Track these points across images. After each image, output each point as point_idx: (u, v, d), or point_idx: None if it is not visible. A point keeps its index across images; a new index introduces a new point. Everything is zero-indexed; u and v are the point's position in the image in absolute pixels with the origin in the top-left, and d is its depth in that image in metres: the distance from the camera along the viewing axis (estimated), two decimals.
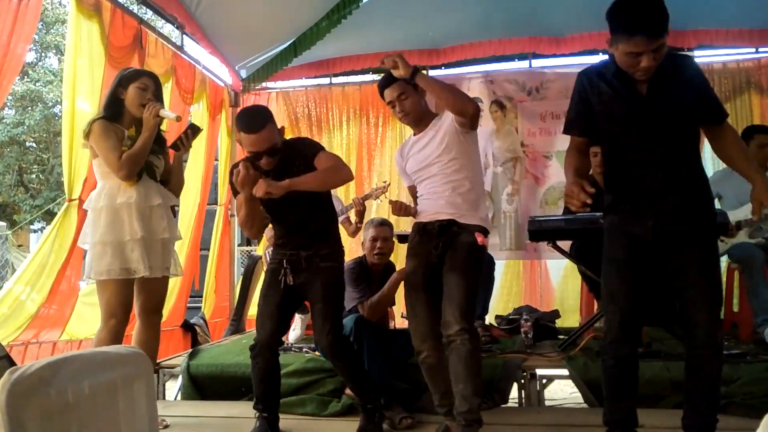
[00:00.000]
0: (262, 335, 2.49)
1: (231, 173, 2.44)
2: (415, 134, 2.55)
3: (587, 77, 2.11)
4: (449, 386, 2.32)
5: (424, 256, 2.41)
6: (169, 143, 2.72)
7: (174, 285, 4.44)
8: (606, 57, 2.14)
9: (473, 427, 2.20)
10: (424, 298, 2.40)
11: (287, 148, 2.45)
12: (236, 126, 2.39)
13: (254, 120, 2.34)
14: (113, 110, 2.57)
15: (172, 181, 2.76)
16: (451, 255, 2.34)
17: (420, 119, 2.49)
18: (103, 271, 2.48)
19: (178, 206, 2.83)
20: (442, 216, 2.39)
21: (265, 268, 4.56)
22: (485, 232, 2.42)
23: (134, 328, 2.70)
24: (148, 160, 2.59)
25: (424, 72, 2.40)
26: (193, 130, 2.71)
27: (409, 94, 2.41)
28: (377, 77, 5.94)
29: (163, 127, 2.74)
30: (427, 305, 2.39)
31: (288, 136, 5.80)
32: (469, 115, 2.29)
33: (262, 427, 2.49)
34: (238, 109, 5.45)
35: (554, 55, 5.27)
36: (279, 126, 2.44)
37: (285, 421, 2.84)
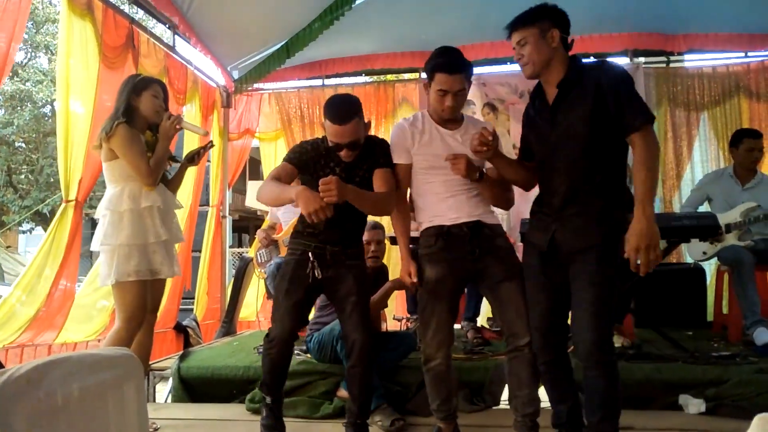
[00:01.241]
0: (281, 332, 2.41)
1: (298, 150, 2.41)
2: (435, 120, 2.36)
3: (527, 104, 2.28)
4: (450, 393, 2.34)
5: (453, 262, 2.27)
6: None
7: (166, 286, 4.42)
8: (601, 59, 2.17)
9: (537, 428, 2.25)
10: (447, 308, 2.30)
11: (366, 146, 2.39)
12: (324, 112, 2.29)
13: (342, 111, 2.26)
14: (129, 116, 2.61)
15: (172, 188, 2.85)
16: (498, 261, 2.26)
17: (455, 117, 2.36)
18: (132, 272, 2.52)
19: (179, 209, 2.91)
20: (468, 218, 2.27)
21: (256, 270, 4.60)
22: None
23: None
24: None
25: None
26: (210, 146, 2.92)
27: (466, 90, 2.31)
28: (369, 79, 5.96)
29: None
30: (449, 315, 2.32)
31: (281, 138, 5.85)
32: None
33: (269, 418, 2.48)
34: (230, 110, 5.51)
35: None
36: (366, 120, 2.37)
37: None
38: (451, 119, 2.35)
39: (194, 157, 2.86)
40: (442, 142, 2.33)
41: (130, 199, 2.56)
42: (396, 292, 3.76)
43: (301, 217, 2.45)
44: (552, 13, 2.07)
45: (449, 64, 2.26)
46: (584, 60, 2.15)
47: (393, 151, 2.38)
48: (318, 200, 2.06)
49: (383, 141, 2.46)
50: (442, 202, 2.31)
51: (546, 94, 2.13)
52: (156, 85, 2.71)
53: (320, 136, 2.44)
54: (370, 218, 4.14)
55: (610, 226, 1.99)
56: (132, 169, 2.56)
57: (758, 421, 1.00)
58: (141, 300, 2.57)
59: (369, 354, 2.39)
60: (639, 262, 1.87)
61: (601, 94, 1.97)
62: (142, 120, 2.66)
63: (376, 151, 2.40)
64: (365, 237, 3.24)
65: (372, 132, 5.92)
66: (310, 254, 2.40)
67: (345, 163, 2.36)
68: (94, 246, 2.60)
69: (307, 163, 2.39)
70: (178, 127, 2.69)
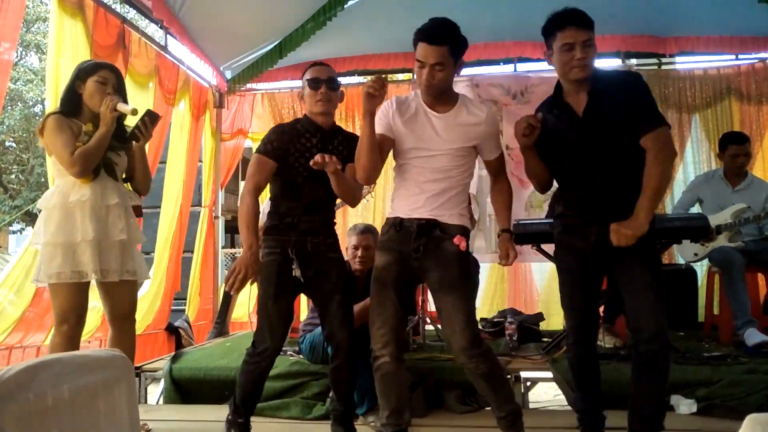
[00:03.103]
0: (274, 343, 2.33)
1: (275, 135, 2.40)
2: (427, 104, 2.21)
3: (542, 107, 2.31)
4: (402, 403, 2.19)
5: (399, 255, 2.17)
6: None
7: (158, 288, 4.40)
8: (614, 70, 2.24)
9: (518, 424, 2.16)
10: (393, 300, 2.15)
11: (346, 135, 2.47)
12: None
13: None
14: (71, 105, 2.44)
15: (137, 177, 2.61)
16: (437, 268, 2.14)
17: (441, 96, 2.19)
18: (53, 274, 2.32)
19: (140, 205, 2.62)
20: (422, 215, 2.16)
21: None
22: (467, 234, 2.24)
23: (108, 336, 2.59)
24: (107, 156, 2.44)
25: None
26: (151, 118, 2.51)
27: (448, 66, 2.12)
28: (363, 79, 5.96)
29: (129, 121, 2.54)
30: (396, 308, 2.16)
31: None
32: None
33: None
34: (223, 111, 5.49)
35: (539, 60, 5.31)
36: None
37: (269, 424, 2.83)
38: (438, 98, 2.18)
39: (135, 134, 2.49)
40: (425, 124, 2.18)
41: (60, 195, 2.37)
42: None
43: (273, 212, 2.41)
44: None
45: (429, 33, 2.08)
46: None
47: (379, 124, 2.21)
48: (247, 267, 2.21)
49: (356, 137, 2.40)
50: (408, 191, 2.21)
51: (572, 100, 2.17)
52: (105, 70, 2.48)
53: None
54: (363, 221, 4.12)
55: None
56: (57, 160, 2.37)
57: (749, 421, 1.00)
58: (73, 303, 2.35)
59: (354, 352, 2.38)
60: (616, 242, 2.06)
61: (629, 100, 2.09)
62: (87, 109, 2.45)
63: (353, 145, 2.32)
64: (353, 241, 3.21)
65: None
66: (290, 251, 2.32)
67: (321, 132, 2.38)
68: (31, 245, 2.47)
69: (287, 146, 2.35)
70: (114, 111, 2.37)
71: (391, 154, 2.29)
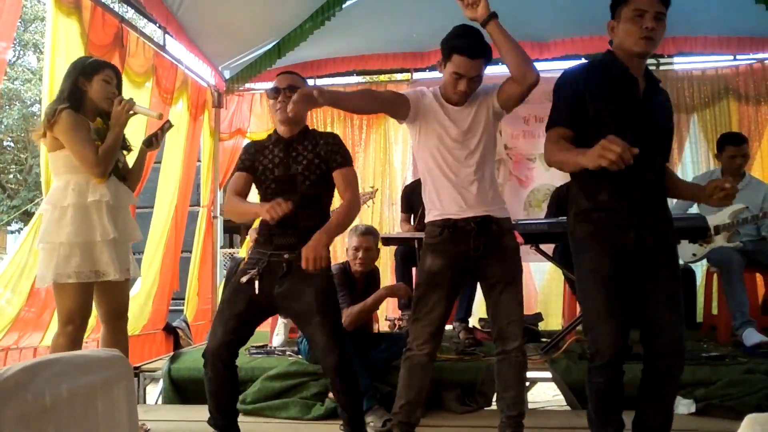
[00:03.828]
0: (211, 344, 2.23)
1: (244, 152, 2.42)
2: (445, 99, 2.27)
3: (586, 73, 2.08)
4: (420, 397, 2.26)
5: (456, 255, 2.19)
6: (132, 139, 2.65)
7: (150, 288, 4.38)
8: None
9: (521, 427, 2.22)
10: (443, 301, 2.21)
11: (309, 132, 2.38)
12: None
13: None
14: (76, 101, 2.42)
15: (133, 179, 2.65)
16: (499, 263, 2.19)
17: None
18: (71, 274, 2.31)
19: (135, 205, 2.72)
20: (476, 212, 2.18)
21: None
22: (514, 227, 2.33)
23: (100, 335, 2.59)
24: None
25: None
26: (168, 127, 2.69)
27: (481, 78, 2.21)
28: (361, 79, 5.96)
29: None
30: (444, 308, 2.22)
31: None
32: (528, 84, 2.11)
33: None
34: (221, 110, 5.48)
35: (537, 60, 5.31)
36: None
37: (268, 425, 2.83)
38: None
39: (152, 140, 2.66)
40: (443, 115, 2.23)
41: (75, 193, 2.35)
42: None
43: (260, 225, 2.38)
44: None
45: (470, 47, 2.13)
46: (573, 62, 2.18)
47: (409, 99, 2.26)
48: (275, 208, 2.09)
49: (330, 135, 2.41)
50: (451, 191, 2.21)
51: (633, 78, 2.01)
52: (108, 69, 2.52)
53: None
54: (364, 222, 4.09)
55: (672, 224, 2.10)
56: (77, 159, 2.34)
57: (748, 421, 1.01)
58: (80, 303, 2.36)
59: (346, 370, 2.24)
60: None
61: (671, 116, 2.11)
62: (91, 106, 2.47)
63: (331, 149, 2.32)
64: (354, 242, 3.19)
65: (363, 132, 5.92)
66: (259, 267, 2.25)
67: (283, 142, 2.34)
68: (38, 245, 2.41)
69: (253, 160, 2.37)
70: (130, 112, 2.46)
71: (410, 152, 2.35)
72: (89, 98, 2.46)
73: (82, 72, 2.47)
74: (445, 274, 2.20)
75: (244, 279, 2.24)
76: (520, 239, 2.24)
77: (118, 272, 2.41)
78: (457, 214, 2.19)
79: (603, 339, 1.96)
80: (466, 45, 2.13)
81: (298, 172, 2.29)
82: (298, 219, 2.24)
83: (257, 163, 2.36)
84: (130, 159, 2.74)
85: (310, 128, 2.44)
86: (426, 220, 2.30)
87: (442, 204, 2.23)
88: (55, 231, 2.35)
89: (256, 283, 2.22)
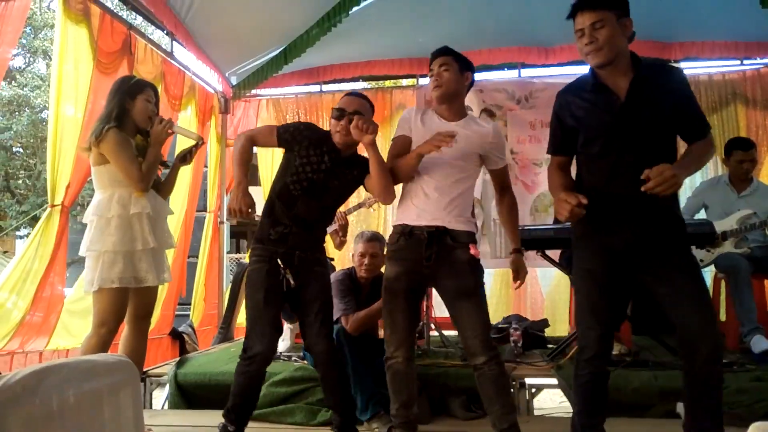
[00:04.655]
0: (264, 347, 2.32)
1: (293, 127, 2.49)
2: (438, 113, 2.40)
3: (562, 95, 2.17)
4: (411, 398, 2.32)
5: (409, 263, 2.27)
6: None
7: (161, 292, 4.40)
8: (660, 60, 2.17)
9: None
10: (404, 308, 2.28)
11: (358, 158, 2.48)
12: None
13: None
14: (121, 120, 2.58)
15: (165, 191, 2.82)
16: (451, 276, 2.23)
17: (452, 100, 2.37)
18: (115, 279, 2.48)
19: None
20: (431, 222, 2.26)
21: None
22: (474, 239, 2.34)
23: (122, 334, 2.68)
24: None
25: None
26: (201, 144, 2.89)
27: (452, 69, 2.31)
28: (367, 85, 5.98)
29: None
30: (406, 314, 2.29)
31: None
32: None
33: None
34: (228, 116, 5.51)
35: (543, 65, 5.32)
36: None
37: (274, 430, 2.83)
38: (450, 108, 2.36)
39: (186, 156, 2.82)
40: (438, 126, 2.32)
41: (119, 205, 2.53)
42: None
43: (264, 222, 2.46)
44: (623, 1, 2.02)
45: (436, 50, 2.38)
46: (578, 67, 2.17)
47: (396, 129, 2.45)
48: (238, 201, 2.25)
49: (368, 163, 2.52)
50: (416, 198, 2.32)
51: (610, 83, 2.03)
52: (149, 89, 2.70)
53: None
54: (371, 228, 4.11)
55: (681, 223, 2.08)
56: (123, 174, 2.53)
57: (754, 429, 1.00)
58: (116, 307, 2.51)
59: (337, 360, 2.41)
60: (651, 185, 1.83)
61: (675, 97, 2.01)
62: (132, 124, 2.63)
63: (366, 172, 2.43)
64: (360, 248, 3.21)
65: None
66: (279, 261, 2.36)
67: (337, 154, 2.42)
68: (82, 251, 2.57)
69: (297, 139, 2.42)
70: (170, 131, 2.67)
71: None
72: (131, 117, 2.62)
73: (128, 92, 2.63)
74: (401, 281, 2.27)
75: (291, 280, 2.36)
76: (475, 252, 2.24)
77: (156, 279, 2.60)
78: (414, 221, 2.28)
79: (590, 333, 2.05)
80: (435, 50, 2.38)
81: (334, 187, 2.44)
82: (317, 225, 2.48)
83: (302, 150, 2.41)
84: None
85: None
86: None
87: (403, 209, 2.35)
88: (101, 240, 2.51)
89: (290, 279, 2.36)
